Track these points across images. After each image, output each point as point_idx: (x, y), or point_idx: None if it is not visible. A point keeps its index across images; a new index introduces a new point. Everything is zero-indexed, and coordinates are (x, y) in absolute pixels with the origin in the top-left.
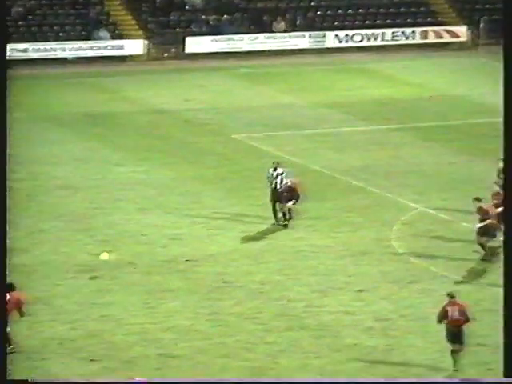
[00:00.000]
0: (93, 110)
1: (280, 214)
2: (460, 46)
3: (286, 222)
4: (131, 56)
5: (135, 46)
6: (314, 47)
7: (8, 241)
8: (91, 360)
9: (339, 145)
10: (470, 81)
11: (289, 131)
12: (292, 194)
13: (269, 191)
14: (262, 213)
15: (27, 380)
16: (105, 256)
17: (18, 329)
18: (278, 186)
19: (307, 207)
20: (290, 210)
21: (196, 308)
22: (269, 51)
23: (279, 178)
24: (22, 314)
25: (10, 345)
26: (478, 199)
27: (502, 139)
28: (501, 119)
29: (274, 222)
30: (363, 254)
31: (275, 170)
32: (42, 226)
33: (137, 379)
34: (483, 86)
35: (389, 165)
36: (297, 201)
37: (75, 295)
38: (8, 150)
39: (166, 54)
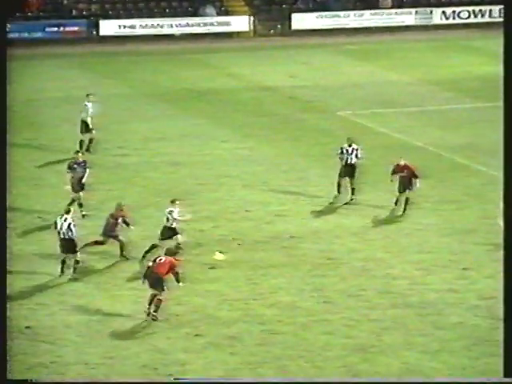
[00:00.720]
0: (198, 86)
1: (349, 191)
2: None
3: (353, 197)
4: (237, 32)
5: (241, 23)
6: (421, 24)
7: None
8: (196, 335)
9: (444, 122)
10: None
11: (394, 108)
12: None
13: (340, 166)
14: (366, 189)
15: (27, 380)
16: (219, 256)
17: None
18: (353, 161)
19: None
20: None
21: (299, 285)
22: (375, 28)
23: (354, 153)
24: (177, 279)
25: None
26: None
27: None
28: None
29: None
30: (468, 232)
31: (350, 145)
32: (147, 202)
33: (137, 379)
34: None
35: (495, 142)
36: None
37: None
38: (114, 126)
39: (271, 31)
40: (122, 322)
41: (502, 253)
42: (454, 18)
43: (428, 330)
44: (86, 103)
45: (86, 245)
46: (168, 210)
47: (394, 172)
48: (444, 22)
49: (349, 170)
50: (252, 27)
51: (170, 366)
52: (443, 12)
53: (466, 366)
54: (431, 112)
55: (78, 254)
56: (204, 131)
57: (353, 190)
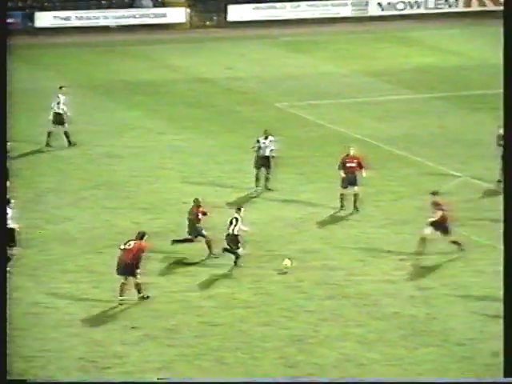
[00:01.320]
0: (135, 78)
1: (263, 180)
2: None
3: (270, 188)
4: (173, 24)
5: (177, 14)
6: (356, 15)
7: (52, 210)
8: (133, 327)
9: (381, 114)
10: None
11: (331, 100)
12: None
13: (256, 158)
14: (302, 181)
15: (26, 380)
16: (288, 262)
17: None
18: (268, 153)
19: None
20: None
21: (237, 276)
22: (311, 19)
23: (270, 145)
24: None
25: None
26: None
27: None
28: None
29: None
30: (405, 222)
31: (266, 138)
32: (83, 194)
33: (137, 380)
34: None
35: (431, 134)
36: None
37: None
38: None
39: (207, 22)
40: (60, 315)
41: (437, 244)
42: (389, 10)
43: (365, 320)
44: (59, 95)
45: (175, 241)
46: (234, 217)
47: (342, 163)
48: (380, 13)
49: (264, 162)
50: (188, 19)
51: (108, 359)
52: (379, 3)
53: (403, 356)
54: (368, 103)
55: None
56: (141, 123)
57: (267, 178)
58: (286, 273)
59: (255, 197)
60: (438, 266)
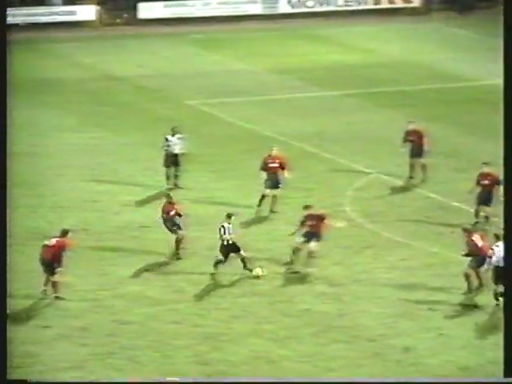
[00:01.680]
0: (44, 76)
1: (173, 178)
2: (412, 12)
3: (177, 183)
4: (83, 22)
5: (87, 12)
6: (267, 13)
7: None
8: (45, 327)
9: (292, 111)
10: (422, 46)
11: (242, 98)
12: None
13: (165, 157)
14: (214, 178)
15: (26, 380)
16: (259, 271)
17: None
18: (177, 151)
19: (259, 172)
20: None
21: (148, 274)
22: (221, 17)
23: (179, 143)
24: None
25: None
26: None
27: (457, 105)
28: (452, 85)
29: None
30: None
31: (174, 135)
32: None
33: (139, 380)
34: (435, 51)
35: (342, 131)
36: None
37: (31, 263)
38: None
39: (118, 20)
40: None
41: (350, 239)
42: (299, 7)
43: (276, 317)
44: None
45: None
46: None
47: (264, 164)
48: (290, 10)
49: (173, 160)
50: (98, 16)
51: (20, 358)
52: (289, 1)
53: (314, 352)
54: (279, 101)
55: None
56: (50, 122)
57: (176, 176)
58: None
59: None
60: (348, 262)
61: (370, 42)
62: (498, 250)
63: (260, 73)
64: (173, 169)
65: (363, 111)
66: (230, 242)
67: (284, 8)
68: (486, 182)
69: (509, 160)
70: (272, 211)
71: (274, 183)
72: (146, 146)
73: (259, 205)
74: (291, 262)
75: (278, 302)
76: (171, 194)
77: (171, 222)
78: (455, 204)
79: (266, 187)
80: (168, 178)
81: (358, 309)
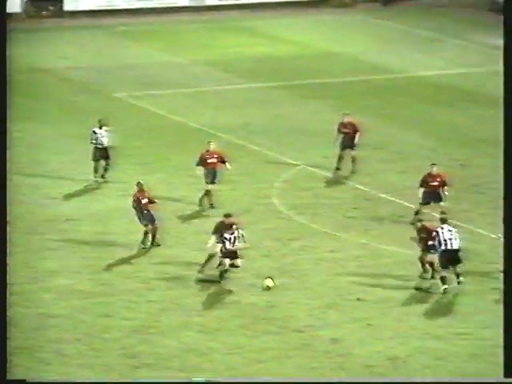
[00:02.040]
0: None
1: (101, 171)
2: (339, 3)
3: (105, 177)
4: (8, 14)
5: (12, 4)
6: (194, 5)
7: None
8: None
9: (219, 103)
10: (348, 38)
11: (169, 90)
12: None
13: (93, 150)
14: (141, 171)
15: (25, 380)
16: (270, 283)
17: None
18: (106, 144)
19: (187, 164)
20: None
21: (77, 267)
22: (148, 9)
23: (106, 135)
24: None
25: None
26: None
27: (389, 97)
28: (378, 76)
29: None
30: (244, 211)
31: (101, 128)
32: None
33: (139, 379)
34: (361, 43)
35: (269, 123)
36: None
37: None
38: None
39: (44, 12)
40: None
41: (277, 231)
42: None
43: (205, 309)
44: None
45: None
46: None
47: (203, 159)
48: (217, 2)
49: (102, 153)
50: (24, 9)
51: None
52: None
53: (244, 344)
54: (206, 93)
55: None
56: None
57: (106, 169)
58: (220, 282)
59: (95, 188)
60: (276, 254)
61: (296, 34)
62: (442, 233)
63: (187, 65)
64: (103, 162)
65: (290, 103)
66: (232, 249)
67: (211, 0)
68: (436, 183)
69: (509, 160)
70: (212, 206)
71: (212, 178)
72: (72, 138)
73: (201, 200)
74: (202, 267)
75: (207, 295)
76: (142, 181)
77: (144, 213)
78: (383, 195)
79: (208, 182)
80: (96, 170)
81: (286, 300)
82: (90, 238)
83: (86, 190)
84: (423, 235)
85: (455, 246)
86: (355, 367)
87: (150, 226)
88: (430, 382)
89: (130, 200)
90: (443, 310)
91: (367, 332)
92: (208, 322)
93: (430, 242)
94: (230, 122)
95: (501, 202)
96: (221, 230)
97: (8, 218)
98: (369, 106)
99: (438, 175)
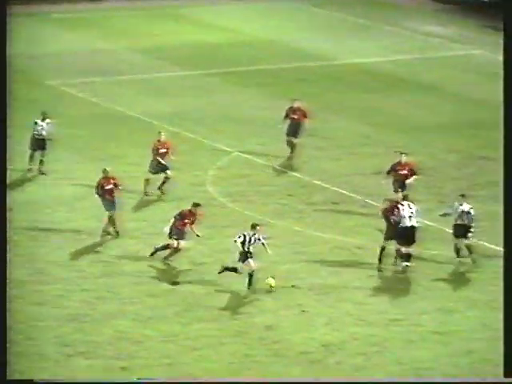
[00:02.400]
0: None
1: (37, 162)
2: None
3: (42, 170)
4: None
5: None
6: None
7: None
8: None
9: (154, 90)
10: (283, 25)
11: (104, 77)
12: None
13: (31, 139)
14: (77, 157)
15: (32, 380)
16: (272, 281)
17: None
18: (45, 136)
19: (123, 152)
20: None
21: (11, 256)
22: None
23: (46, 126)
24: None
25: None
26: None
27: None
28: (312, 63)
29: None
30: (180, 199)
31: (44, 119)
32: None
33: (140, 379)
34: (296, 30)
35: (204, 110)
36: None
37: None
38: None
39: None
40: None
41: (212, 218)
42: None
43: (140, 297)
44: None
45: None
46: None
47: (156, 150)
48: None
49: (40, 143)
50: None
51: None
52: None
53: (178, 332)
54: (141, 80)
55: None
56: None
57: (41, 161)
58: (271, 291)
59: (30, 177)
60: (211, 242)
61: (230, 21)
62: (402, 209)
63: (122, 52)
64: (39, 152)
65: (224, 90)
66: (247, 251)
67: None
68: (405, 171)
69: (509, 159)
70: (162, 193)
71: (163, 167)
72: (7, 128)
73: (146, 191)
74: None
75: (142, 283)
76: (108, 168)
77: (106, 199)
78: (317, 182)
79: (152, 172)
80: (31, 159)
81: (220, 288)
82: (25, 227)
83: (20, 179)
84: (386, 212)
85: (413, 224)
86: (290, 354)
87: (111, 213)
88: (430, 382)
89: (59, 188)
90: (378, 296)
91: (302, 319)
92: (143, 310)
93: (392, 217)
94: (166, 110)
95: (437, 188)
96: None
97: None
98: (304, 93)
99: (407, 164)
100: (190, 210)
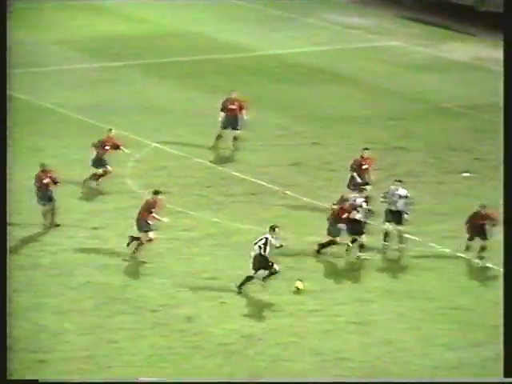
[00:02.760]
0: None
1: None
2: None
3: None
4: None
5: None
6: None
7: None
8: None
9: (72, 82)
10: (200, 16)
11: (19, 69)
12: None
13: None
14: None
15: (37, 380)
16: (300, 285)
17: None
18: None
19: (43, 145)
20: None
21: None
22: None
23: None
24: None
25: None
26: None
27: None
28: (231, 55)
29: None
30: (98, 192)
31: None
32: None
33: (140, 379)
34: (214, 22)
35: (121, 102)
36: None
37: None
38: None
39: None
40: None
41: (131, 210)
42: None
43: (59, 290)
44: None
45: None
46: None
47: (101, 146)
48: None
49: None
50: None
51: None
52: None
53: (98, 324)
54: (58, 72)
55: None
56: None
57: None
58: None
59: None
60: (129, 234)
61: (149, 13)
62: (392, 193)
63: (40, 44)
64: None
65: (142, 82)
66: (264, 255)
67: None
68: (367, 165)
69: (509, 159)
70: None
71: (104, 162)
72: None
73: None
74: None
75: (60, 275)
76: (45, 162)
77: (43, 192)
78: (236, 174)
79: (95, 166)
80: None
81: (139, 280)
82: None
83: None
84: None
85: (399, 208)
86: (210, 346)
87: (47, 206)
88: (430, 382)
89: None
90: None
91: (221, 310)
92: (61, 303)
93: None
94: (84, 102)
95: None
96: None
97: None
98: (221, 85)
99: (368, 158)
100: (153, 199)
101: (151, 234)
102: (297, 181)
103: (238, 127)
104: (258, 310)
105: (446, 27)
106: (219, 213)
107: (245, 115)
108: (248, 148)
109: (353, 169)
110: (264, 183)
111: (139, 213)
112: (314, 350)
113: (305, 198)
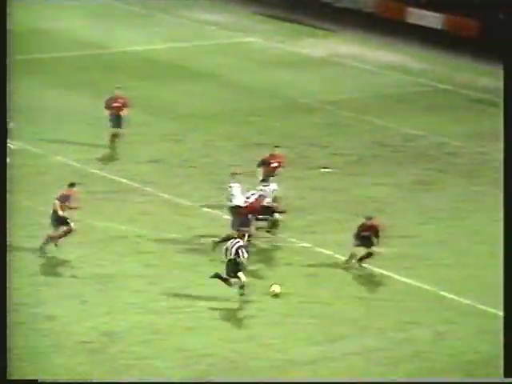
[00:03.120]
0: None
1: None
2: None
3: None
4: None
5: None
6: None
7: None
8: None
9: None
10: (56, 14)
11: None
12: None
13: None
14: None
15: (37, 380)
16: (277, 288)
17: None
18: None
19: None
20: None
21: None
22: None
23: None
24: None
25: None
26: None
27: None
28: (88, 52)
29: None
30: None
31: None
32: None
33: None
34: (70, 18)
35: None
36: None
37: None
38: None
39: None
40: None
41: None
42: None
43: None
44: None
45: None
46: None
47: None
48: None
49: None
50: None
51: None
52: None
53: None
54: None
55: None
56: None
57: None
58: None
59: None
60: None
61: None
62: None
63: None
64: None
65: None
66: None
67: None
68: (276, 163)
69: (509, 159)
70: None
71: None
72: None
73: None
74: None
75: None
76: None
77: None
78: (96, 171)
79: None
80: None
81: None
82: None
83: None
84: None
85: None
86: (71, 344)
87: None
88: (430, 382)
89: None
90: (157, 284)
91: (83, 308)
92: None
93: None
94: None
95: (214, 176)
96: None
97: None
98: (79, 82)
99: (278, 156)
100: (68, 192)
101: (73, 224)
102: (156, 178)
103: (121, 126)
104: (120, 308)
105: (303, 24)
106: (80, 211)
107: (126, 114)
108: (105, 145)
109: (259, 165)
110: (124, 180)
111: (58, 206)
112: (177, 347)
113: (165, 195)
